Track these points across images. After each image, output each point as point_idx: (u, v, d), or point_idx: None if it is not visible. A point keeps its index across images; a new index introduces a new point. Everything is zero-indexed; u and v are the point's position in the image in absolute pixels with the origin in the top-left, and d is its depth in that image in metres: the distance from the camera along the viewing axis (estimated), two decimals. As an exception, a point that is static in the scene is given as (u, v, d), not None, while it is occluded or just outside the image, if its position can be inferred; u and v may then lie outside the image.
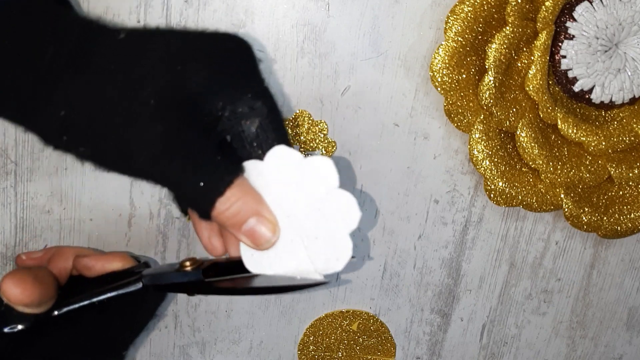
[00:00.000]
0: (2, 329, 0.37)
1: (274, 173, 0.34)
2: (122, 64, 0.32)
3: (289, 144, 0.35)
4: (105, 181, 0.49)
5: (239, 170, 0.33)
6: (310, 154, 0.48)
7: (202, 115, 0.33)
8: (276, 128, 0.35)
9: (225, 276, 0.37)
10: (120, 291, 0.38)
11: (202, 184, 0.32)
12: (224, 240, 0.37)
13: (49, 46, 0.31)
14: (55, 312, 0.38)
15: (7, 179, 0.48)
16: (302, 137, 0.48)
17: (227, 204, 0.32)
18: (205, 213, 0.33)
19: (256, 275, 0.35)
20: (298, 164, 0.33)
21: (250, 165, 0.34)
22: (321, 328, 0.53)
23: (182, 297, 0.52)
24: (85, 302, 0.38)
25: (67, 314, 0.38)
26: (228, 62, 0.34)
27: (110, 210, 0.49)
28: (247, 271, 0.35)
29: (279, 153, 0.33)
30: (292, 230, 0.34)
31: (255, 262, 0.35)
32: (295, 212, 0.33)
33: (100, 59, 0.32)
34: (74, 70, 0.32)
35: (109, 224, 0.50)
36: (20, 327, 0.36)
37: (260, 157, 0.34)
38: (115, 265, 0.40)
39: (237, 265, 0.36)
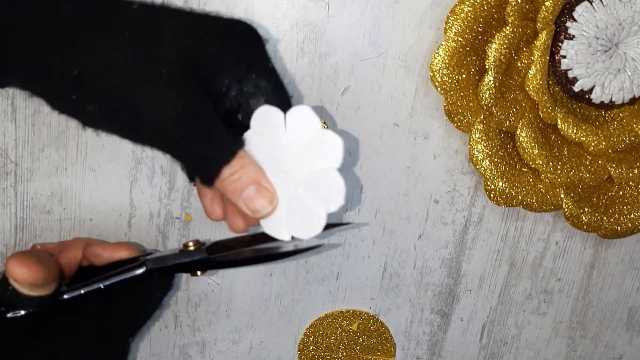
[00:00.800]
0: (5, 314, 0.37)
1: (289, 129, 0.35)
2: (137, 29, 0.33)
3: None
4: (105, 181, 0.49)
5: (242, 142, 0.35)
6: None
7: (211, 89, 0.35)
8: (283, 106, 0.35)
9: (226, 252, 0.40)
10: (125, 275, 0.39)
11: (210, 152, 0.34)
12: (225, 207, 0.39)
13: (66, 3, 0.32)
14: (65, 296, 0.38)
15: (7, 179, 0.48)
16: None
17: (231, 171, 0.34)
18: (210, 180, 0.34)
19: (256, 249, 0.38)
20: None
21: (271, 111, 0.35)
22: (321, 328, 0.53)
23: (182, 296, 0.52)
24: (92, 287, 0.39)
25: (73, 300, 0.39)
26: (236, 41, 0.36)
27: (110, 210, 0.49)
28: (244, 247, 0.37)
29: (299, 112, 0.34)
30: (284, 185, 0.35)
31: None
32: (291, 172, 0.35)
33: (116, 21, 0.33)
34: (91, 30, 0.32)
35: (109, 224, 0.50)
36: (22, 312, 0.37)
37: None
38: (123, 254, 0.41)
39: (235, 241, 0.39)
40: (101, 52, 0.32)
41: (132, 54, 0.33)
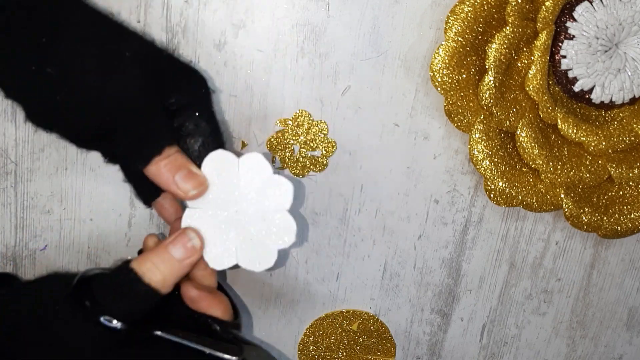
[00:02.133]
0: (99, 316, 0.34)
1: (242, 172, 0.39)
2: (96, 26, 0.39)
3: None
4: (105, 181, 0.49)
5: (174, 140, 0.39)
6: (311, 154, 0.48)
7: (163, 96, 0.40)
8: (217, 148, 0.40)
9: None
10: (217, 353, 0.37)
11: (151, 135, 0.38)
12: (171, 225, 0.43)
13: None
14: (157, 333, 0.36)
15: (7, 179, 0.48)
16: (302, 137, 0.48)
17: (165, 155, 0.38)
18: (144, 161, 0.38)
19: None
20: (266, 175, 0.39)
21: (226, 155, 0.39)
22: (321, 328, 0.53)
23: (182, 297, 0.52)
24: (184, 342, 0.37)
25: (157, 339, 0.37)
26: (191, 80, 0.41)
27: (110, 210, 0.49)
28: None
29: (254, 159, 0.39)
30: (235, 224, 0.39)
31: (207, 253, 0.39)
32: (242, 212, 0.39)
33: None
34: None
35: (109, 224, 0.50)
36: (116, 323, 0.34)
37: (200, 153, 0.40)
38: (216, 312, 0.40)
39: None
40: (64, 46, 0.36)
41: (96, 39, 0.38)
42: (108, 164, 0.43)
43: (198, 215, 0.39)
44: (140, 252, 0.43)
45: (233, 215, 0.39)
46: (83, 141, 0.41)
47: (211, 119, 0.42)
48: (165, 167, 0.38)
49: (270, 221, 0.39)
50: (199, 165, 0.39)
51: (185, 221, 0.39)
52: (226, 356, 0.37)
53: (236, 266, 0.40)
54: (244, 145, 0.48)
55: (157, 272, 0.36)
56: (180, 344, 0.37)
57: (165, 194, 0.43)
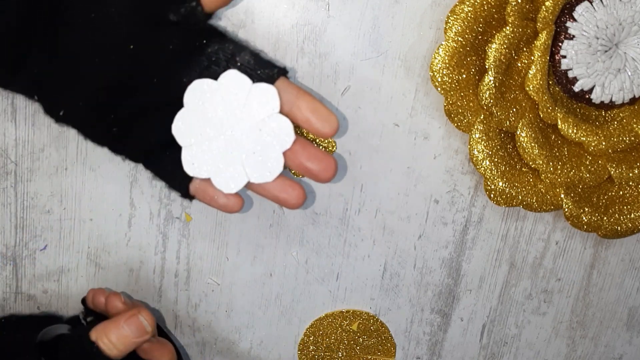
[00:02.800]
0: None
1: (224, 93, 0.38)
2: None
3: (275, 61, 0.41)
4: (105, 181, 0.49)
5: None
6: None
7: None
8: (258, 52, 0.40)
9: None
10: None
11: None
12: None
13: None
14: None
15: (7, 179, 0.48)
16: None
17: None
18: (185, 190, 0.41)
19: None
20: (247, 87, 0.38)
21: (204, 84, 0.38)
22: (321, 328, 0.53)
23: (182, 296, 0.52)
24: None
25: None
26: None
27: (110, 210, 0.49)
28: None
29: (231, 76, 0.38)
30: (233, 144, 0.39)
31: (195, 168, 0.39)
32: (237, 130, 0.39)
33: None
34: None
35: (109, 224, 0.50)
36: None
37: (271, 76, 0.39)
38: (165, 359, 0.45)
39: None
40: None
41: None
42: (127, 160, 0.42)
43: (195, 152, 0.39)
44: (83, 300, 0.47)
45: (229, 137, 0.39)
46: (108, 125, 0.40)
47: (232, 39, 0.41)
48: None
49: (266, 129, 0.39)
50: (264, 71, 0.39)
51: (186, 161, 0.39)
52: None
53: (248, 184, 0.40)
54: (189, 218, 0.49)
55: (114, 350, 0.40)
56: None
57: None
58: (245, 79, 0.38)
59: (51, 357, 0.39)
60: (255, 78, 0.39)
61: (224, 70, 0.38)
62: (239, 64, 0.39)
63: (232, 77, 0.38)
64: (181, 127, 0.39)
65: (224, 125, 0.39)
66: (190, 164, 0.39)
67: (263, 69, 0.39)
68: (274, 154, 0.39)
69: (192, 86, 0.38)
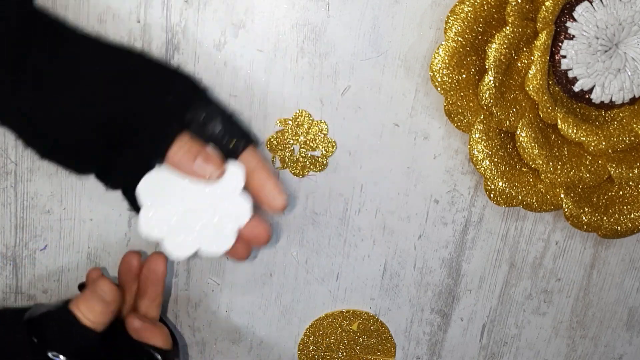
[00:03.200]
0: (47, 351, 0.38)
1: (166, 170, 0.40)
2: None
3: (246, 129, 0.42)
4: (105, 181, 0.49)
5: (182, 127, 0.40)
6: (311, 154, 0.48)
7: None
8: (234, 120, 0.42)
9: None
10: None
11: (159, 131, 0.40)
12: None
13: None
14: None
15: (7, 179, 0.48)
16: (301, 137, 0.48)
17: (180, 144, 0.39)
18: (162, 152, 0.39)
19: None
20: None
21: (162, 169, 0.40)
22: (321, 328, 0.53)
23: (182, 296, 0.52)
24: None
25: None
26: (180, 79, 0.43)
27: (110, 210, 0.49)
28: None
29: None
30: (191, 213, 0.41)
31: (149, 228, 0.41)
32: (199, 200, 0.40)
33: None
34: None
35: (109, 224, 0.50)
36: (62, 357, 0.38)
37: (237, 147, 0.40)
38: (157, 341, 0.44)
39: None
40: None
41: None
42: (109, 190, 0.43)
43: (153, 213, 0.41)
44: (80, 286, 0.46)
45: (189, 206, 0.40)
46: (85, 158, 0.41)
47: (219, 106, 0.42)
48: (183, 156, 0.39)
49: (225, 204, 0.40)
50: (231, 141, 0.40)
51: (142, 220, 0.41)
52: None
53: (195, 254, 0.41)
54: None
55: (86, 319, 0.40)
56: None
57: None
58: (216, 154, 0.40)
59: (39, 333, 0.39)
60: (222, 148, 0.40)
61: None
62: (208, 133, 0.40)
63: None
64: (146, 187, 0.40)
65: (186, 193, 0.40)
66: (145, 223, 0.41)
67: (231, 139, 0.41)
68: (228, 231, 0.41)
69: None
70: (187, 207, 0.40)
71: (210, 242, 0.41)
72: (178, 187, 0.40)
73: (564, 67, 0.46)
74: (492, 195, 0.48)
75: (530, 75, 0.45)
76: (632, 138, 0.48)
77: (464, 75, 0.45)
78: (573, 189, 0.49)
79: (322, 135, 0.48)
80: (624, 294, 0.55)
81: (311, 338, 0.54)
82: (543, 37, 0.44)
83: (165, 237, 0.41)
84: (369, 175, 0.50)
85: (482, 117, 0.46)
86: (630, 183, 0.49)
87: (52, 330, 0.39)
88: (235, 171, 0.40)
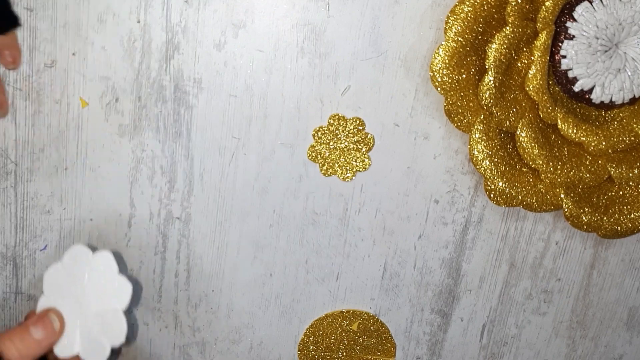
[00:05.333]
0: None
1: (65, 267, 0.43)
2: None
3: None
4: (105, 181, 0.49)
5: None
6: (354, 154, 0.48)
7: None
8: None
9: None
10: None
11: None
12: None
13: None
14: None
15: (7, 179, 0.48)
16: (341, 143, 0.48)
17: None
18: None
19: None
20: (86, 259, 0.42)
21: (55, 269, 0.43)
22: (321, 328, 0.53)
23: (182, 297, 0.52)
24: None
25: None
26: None
27: (110, 210, 0.49)
28: None
29: (72, 251, 0.43)
30: (77, 316, 0.42)
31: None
32: (80, 300, 0.42)
33: None
34: None
35: (109, 224, 0.50)
36: None
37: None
38: None
39: None
40: None
41: None
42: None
43: (48, 304, 0.42)
44: (26, 317, 0.46)
45: (77, 308, 0.42)
46: None
47: None
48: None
49: (106, 319, 0.42)
50: None
51: (40, 308, 0.42)
52: None
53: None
54: (84, 104, 0.47)
55: (15, 352, 0.38)
56: None
57: None
58: (113, 266, 0.42)
59: None
60: None
61: None
62: None
63: (104, 259, 0.42)
64: (47, 279, 0.43)
65: (77, 295, 0.42)
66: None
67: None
68: (103, 345, 0.42)
69: (73, 249, 0.43)
70: (75, 308, 0.42)
71: (87, 350, 0.42)
72: (73, 285, 0.42)
73: (564, 67, 0.46)
74: (492, 195, 0.48)
75: (530, 75, 0.45)
76: (632, 138, 0.48)
77: (464, 75, 0.45)
78: (573, 189, 0.49)
79: (357, 130, 0.48)
80: (624, 294, 0.55)
81: (311, 338, 0.54)
82: (543, 37, 0.44)
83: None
84: (369, 175, 0.50)
85: (482, 117, 0.46)
86: (630, 183, 0.49)
87: None
88: (125, 287, 0.42)
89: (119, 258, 0.47)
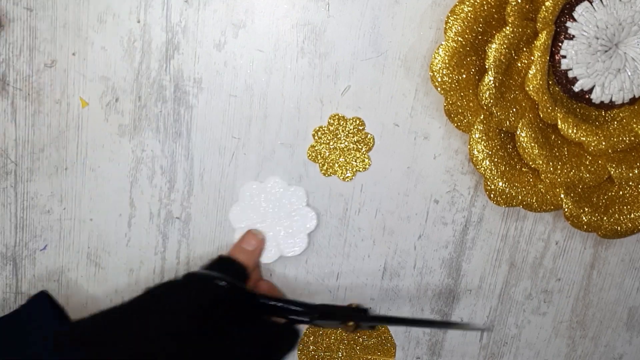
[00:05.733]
0: (214, 280, 0.43)
1: (249, 198, 0.50)
2: None
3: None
4: (105, 181, 0.49)
5: None
6: (354, 154, 0.48)
7: None
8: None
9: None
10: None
11: None
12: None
13: None
14: (262, 301, 0.45)
15: (7, 179, 0.48)
16: (341, 143, 0.48)
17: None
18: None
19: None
20: (282, 187, 0.50)
21: (252, 184, 0.49)
22: (321, 328, 0.53)
23: (182, 297, 0.52)
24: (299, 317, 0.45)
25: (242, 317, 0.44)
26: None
27: (110, 210, 0.49)
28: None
29: (276, 182, 0.49)
30: (272, 227, 0.50)
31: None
32: (270, 215, 0.50)
33: None
34: None
35: (109, 224, 0.50)
36: (224, 283, 0.42)
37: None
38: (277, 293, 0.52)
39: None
40: None
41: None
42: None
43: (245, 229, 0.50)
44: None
45: (269, 222, 0.50)
46: None
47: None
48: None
49: (295, 216, 0.50)
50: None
51: (238, 234, 0.50)
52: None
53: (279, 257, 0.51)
54: (84, 104, 0.48)
55: (242, 256, 0.48)
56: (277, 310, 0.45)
57: None
58: (280, 182, 0.49)
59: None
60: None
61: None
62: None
63: (272, 181, 0.49)
64: (236, 213, 0.50)
65: (266, 213, 0.50)
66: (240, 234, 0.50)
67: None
68: (302, 235, 0.50)
69: (246, 185, 0.49)
70: (268, 223, 0.50)
71: (289, 247, 0.50)
72: (260, 209, 0.50)
73: (564, 67, 0.46)
74: (492, 195, 0.48)
75: (530, 75, 0.45)
76: (632, 138, 0.48)
77: (464, 75, 0.45)
78: (573, 189, 0.49)
79: (357, 130, 0.48)
80: (624, 294, 0.55)
81: (311, 338, 0.54)
82: (543, 37, 0.44)
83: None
84: (369, 175, 0.50)
85: (482, 117, 0.46)
86: (630, 183, 0.49)
87: (216, 268, 0.46)
88: (298, 189, 0.49)
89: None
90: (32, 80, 0.46)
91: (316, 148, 0.48)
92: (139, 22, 0.45)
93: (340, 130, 0.48)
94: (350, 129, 0.48)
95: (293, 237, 0.50)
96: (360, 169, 0.49)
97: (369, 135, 0.48)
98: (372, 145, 0.48)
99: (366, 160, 0.49)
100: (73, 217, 0.49)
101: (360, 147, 0.48)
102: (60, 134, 0.47)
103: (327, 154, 0.48)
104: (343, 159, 0.49)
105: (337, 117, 0.47)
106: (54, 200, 0.49)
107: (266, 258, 0.50)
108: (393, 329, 0.54)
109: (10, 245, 0.49)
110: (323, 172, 0.49)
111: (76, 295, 0.51)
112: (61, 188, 0.48)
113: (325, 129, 0.48)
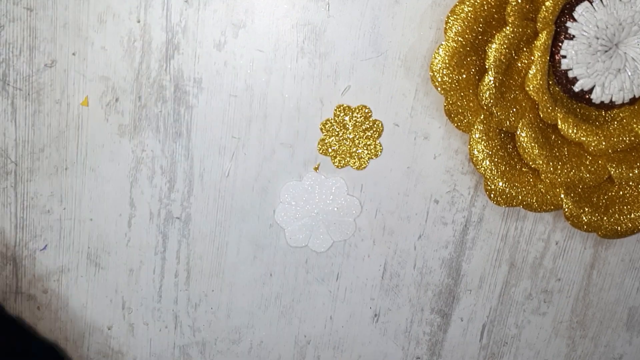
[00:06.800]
0: None
1: (291, 196, 0.50)
2: None
3: None
4: (105, 181, 0.49)
5: None
6: (364, 143, 0.48)
7: None
8: None
9: None
10: None
11: None
12: None
13: None
14: None
15: (7, 179, 0.48)
16: (350, 133, 0.48)
17: None
18: None
19: None
20: (330, 184, 0.50)
21: (291, 185, 0.50)
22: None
23: (182, 297, 0.52)
24: None
25: None
26: None
27: (110, 210, 0.49)
28: None
29: (313, 178, 0.50)
30: (318, 218, 0.51)
31: (294, 241, 0.52)
32: (315, 208, 0.50)
33: None
34: None
35: (109, 224, 0.50)
36: None
37: None
38: None
39: None
40: None
41: None
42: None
43: (294, 229, 0.51)
44: None
45: (314, 215, 0.51)
46: None
47: None
48: None
49: (339, 205, 0.50)
50: None
51: (290, 238, 0.51)
52: None
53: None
54: (85, 103, 0.48)
55: None
56: None
57: None
58: (319, 176, 0.50)
59: None
60: None
61: None
62: None
63: (310, 176, 0.50)
64: (281, 215, 0.51)
65: (311, 206, 0.51)
66: (289, 238, 0.51)
67: None
68: (347, 222, 0.51)
69: (286, 186, 0.50)
70: (314, 216, 0.51)
71: (337, 234, 0.51)
72: (304, 202, 0.50)
73: (564, 67, 0.46)
74: (492, 195, 0.48)
75: (530, 75, 0.45)
76: (632, 138, 0.48)
77: (464, 75, 0.45)
78: (573, 189, 0.49)
79: (363, 119, 0.48)
80: (624, 294, 0.55)
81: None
82: (543, 37, 0.44)
83: (308, 241, 0.52)
84: (369, 175, 0.50)
85: (482, 117, 0.46)
86: (630, 183, 0.49)
87: None
88: (337, 181, 0.50)
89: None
90: (32, 80, 0.46)
91: (326, 141, 0.48)
92: (139, 22, 0.45)
93: (348, 119, 0.48)
94: (358, 118, 0.48)
95: (341, 224, 0.51)
96: (373, 156, 0.49)
97: (377, 121, 0.48)
98: (382, 131, 0.48)
99: (378, 146, 0.49)
100: (73, 217, 0.49)
101: (370, 134, 0.48)
102: (60, 134, 0.47)
103: (338, 145, 0.48)
104: (355, 149, 0.49)
105: (342, 107, 0.47)
106: (54, 200, 0.49)
107: (320, 247, 0.51)
108: (393, 329, 0.54)
109: (10, 245, 0.49)
110: (336, 164, 0.49)
111: (76, 295, 0.51)
112: (61, 188, 0.48)
113: (333, 120, 0.48)
